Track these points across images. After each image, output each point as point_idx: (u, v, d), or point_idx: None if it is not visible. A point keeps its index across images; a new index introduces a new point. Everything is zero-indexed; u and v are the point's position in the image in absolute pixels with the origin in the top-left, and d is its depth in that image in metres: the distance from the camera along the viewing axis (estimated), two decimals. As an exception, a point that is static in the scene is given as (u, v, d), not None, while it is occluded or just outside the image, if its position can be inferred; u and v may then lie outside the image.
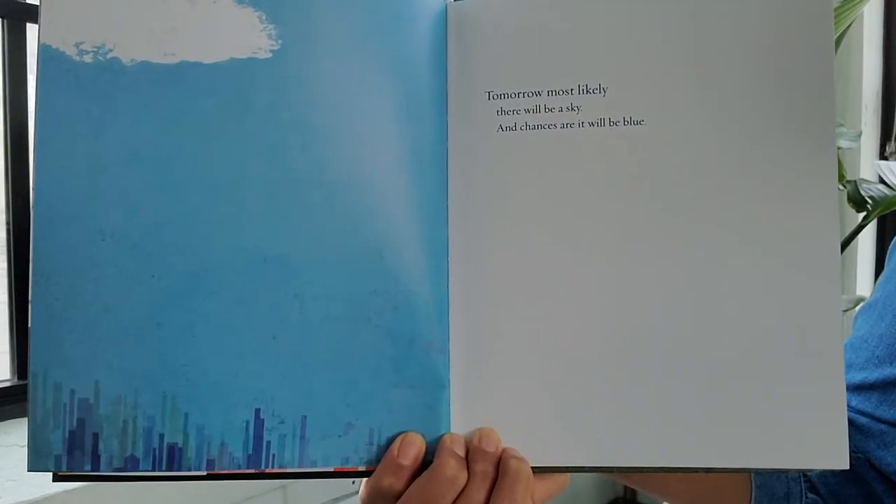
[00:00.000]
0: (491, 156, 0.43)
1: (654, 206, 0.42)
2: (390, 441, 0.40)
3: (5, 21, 1.23)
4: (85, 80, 0.36)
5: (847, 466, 0.40)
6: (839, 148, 1.50)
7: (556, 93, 0.42)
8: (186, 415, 0.37)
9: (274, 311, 0.38)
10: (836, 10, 1.32)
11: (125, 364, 0.36)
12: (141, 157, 0.36)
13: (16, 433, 1.19)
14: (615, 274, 0.42)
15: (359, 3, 0.41)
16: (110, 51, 0.36)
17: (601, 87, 0.42)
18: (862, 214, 1.61)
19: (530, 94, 0.43)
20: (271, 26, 0.38)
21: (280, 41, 0.39)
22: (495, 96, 0.43)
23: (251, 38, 0.38)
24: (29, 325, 0.36)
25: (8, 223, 1.26)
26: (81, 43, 0.36)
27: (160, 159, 0.37)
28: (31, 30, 1.27)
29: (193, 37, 0.37)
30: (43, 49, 0.35)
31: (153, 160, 0.37)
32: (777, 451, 0.40)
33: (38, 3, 1.06)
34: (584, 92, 0.42)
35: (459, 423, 0.42)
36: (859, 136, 1.70)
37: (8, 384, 1.24)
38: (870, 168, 1.97)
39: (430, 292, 0.42)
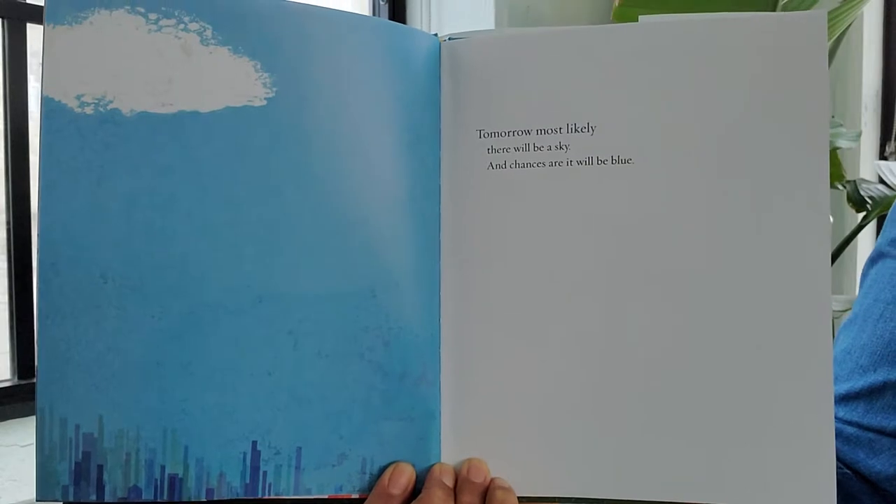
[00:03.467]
0: (482, 193, 0.43)
1: (643, 243, 0.42)
2: (382, 470, 0.42)
3: (5, 21, 1.23)
4: (86, 131, 0.37)
5: None
6: (839, 148, 1.51)
7: (545, 131, 0.43)
8: (186, 447, 0.38)
9: (269, 347, 0.40)
10: (836, 10, 1.32)
11: (127, 400, 0.38)
12: (140, 203, 0.38)
13: (16, 433, 1.20)
14: (603, 309, 0.43)
15: (353, 47, 0.41)
16: (110, 102, 0.37)
17: (589, 125, 0.43)
18: (862, 214, 1.62)
19: (520, 133, 0.43)
20: (266, 74, 0.39)
21: (275, 89, 0.39)
22: (486, 134, 0.43)
23: (246, 86, 0.39)
24: (36, 362, 0.37)
25: (8, 223, 1.26)
26: (82, 95, 0.37)
27: (159, 205, 0.38)
28: (31, 30, 1.27)
29: (190, 87, 0.38)
30: (46, 101, 0.36)
31: (152, 206, 0.38)
32: (764, 489, 0.41)
33: (37, 3, 1.06)
34: (573, 130, 0.43)
35: (450, 453, 0.43)
36: (859, 136, 1.70)
37: (8, 384, 1.25)
38: (870, 168, 1.97)
39: (422, 327, 0.43)
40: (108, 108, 0.37)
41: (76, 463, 0.37)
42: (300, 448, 0.40)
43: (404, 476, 0.41)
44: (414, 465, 0.42)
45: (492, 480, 0.42)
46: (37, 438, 0.37)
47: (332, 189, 0.41)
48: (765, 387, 0.41)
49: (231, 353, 0.39)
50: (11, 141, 1.25)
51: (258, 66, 0.39)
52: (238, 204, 0.39)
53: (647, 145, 0.42)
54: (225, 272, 0.39)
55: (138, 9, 0.38)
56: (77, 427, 0.37)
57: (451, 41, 0.44)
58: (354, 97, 0.41)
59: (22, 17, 1.25)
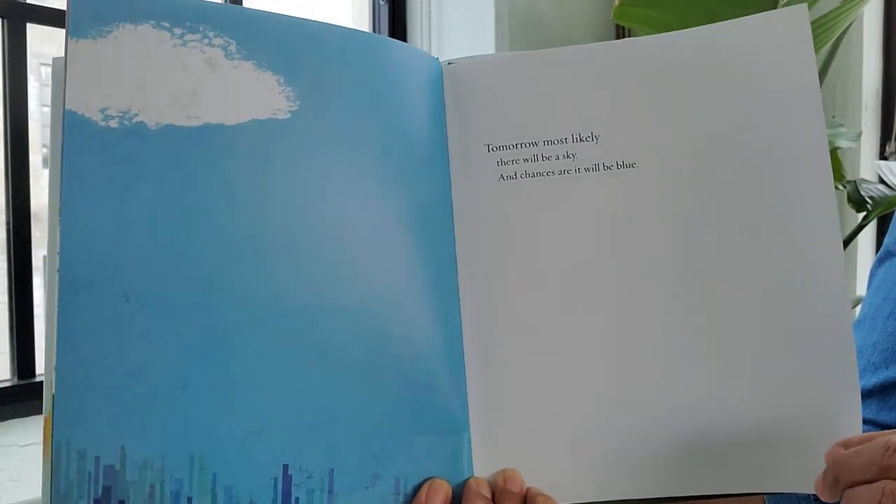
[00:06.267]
0: (494, 203, 0.45)
1: (655, 242, 0.44)
2: (416, 489, 0.40)
3: (5, 21, 1.23)
4: (110, 145, 0.36)
5: None
6: (839, 148, 1.51)
7: (552, 142, 0.45)
8: (214, 475, 0.36)
9: (296, 363, 0.38)
10: (836, 10, 1.33)
11: (152, 427, 0.36)
12: (164, 217, 0.37)
13: (16, 433, 1.19)
14: (620, 310, 0.44)
15: (365, 67, 0.42)
16: (135, 115, 0.37)
17: (593, 135, 0.45)
18: (862, 214, 1.62)
19: (528, 145, 0.45)
20: (289, 88, 0.40)
21: (298, 102, 0.40)
22: (494, 148, 0.45)
23: (270, 99, 0.39)
24: (53, 391, 0.35)
25: (8, 223, 1.26)
26: (107, 108, 0.36)
27: (183, 219, 0.37)
28: (31, 30, 1.26)
29: (215, 100, 0.38)
30: (68, 115, 0.36)
31: (176, 220, 0.37)
32: (791, 478, 0.42)
33: (37, 3, 1.05)
34: (578, 140, 0.45)
35: (481, 467, 0.43)
36: (859, 136, 1.70)
37: (8, 384, 1.24)
38: (870, 168, 1.97)
39: (445, 338, 0.43)
40: (133, 121, 0.36)
41: (95, 500, 0.35)
42: (332, 470, 0.38)
43: (441, 492, 0.40)
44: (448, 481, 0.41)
45: (529, 489, 0.42)
46: (52, 477, 0.35)
47: (352, 202, 0.41)
48: (788, 380, 0.42)
49: (258, 369, 0.37)
50: (11, 141, 1.24)
51: (281, 81, 0.39)
52: (262, 216, 0.38)
53: (649, 149, 0.44)
54: (249, 286, 0.38)
55: (163, 23, 0.37)
56: (97, 459, 0.35)
57: (450, 65, 0.46)
58: (370, 113, 0.42)
59: (22, 17, 1.25)
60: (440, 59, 0.46)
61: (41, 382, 1.35)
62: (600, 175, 0.44)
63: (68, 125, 0.35)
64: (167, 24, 0.37)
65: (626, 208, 0.44)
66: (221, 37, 0.38)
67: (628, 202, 0.44)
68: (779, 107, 0.43)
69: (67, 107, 0.35)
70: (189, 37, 0.38)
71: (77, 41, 0.36)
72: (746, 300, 0.42)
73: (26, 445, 1.18)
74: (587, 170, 0.44)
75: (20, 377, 1.24)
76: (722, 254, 0.43)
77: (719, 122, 0.43)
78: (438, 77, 0.45)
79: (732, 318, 0.42)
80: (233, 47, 0.39)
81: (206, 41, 0.38)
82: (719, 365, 0.42)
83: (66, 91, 0.35)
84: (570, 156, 0.44)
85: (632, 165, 0.44)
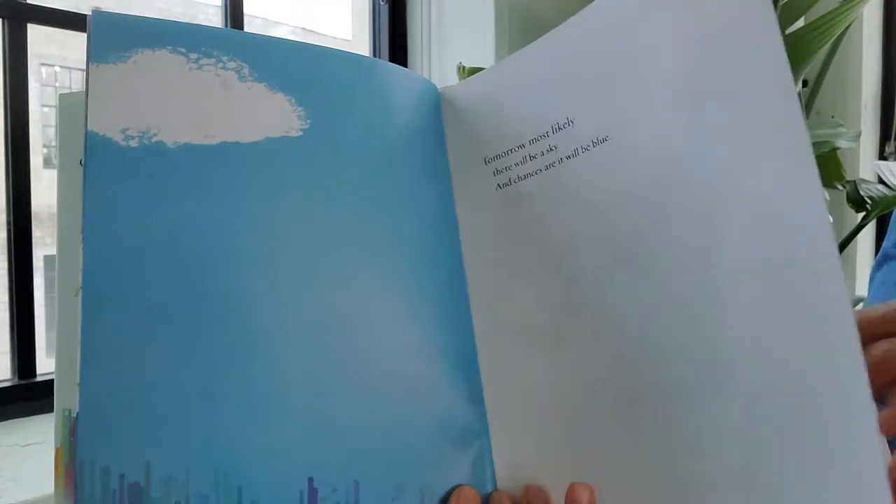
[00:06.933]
0: (494, 212, 0.46)
1: (645, 213, 0.41)
2: (441, 500, 0.41)
3: (5, 21, 1.24)
4: (131, 163, 0.37)
5: None
6: (839, 148, 1.51)
7: (536, 140, 0.46)
8: (240, 489, 0.36)
9: (319, 374, 0.39)
10: (835, 10, 1.33)
11: (176, 441, 0.36)
12: (185, 232, 0.37)
13: (16, 433, 1.19)
14: (624, 299, 0.42)
15: (371, 89, 0.44)
16: (155, 135, 0.38)
17: (568, 119, 0.45)
18: (861, 214, 1.62)
19: (517, 148, 0.46)
20: (300, 108, 0.41)
21: (309, 121, 0.41)
22: (491, 159, 0.47)
23: (283, 119, 0.41)
24: (77, 410, 0.35)
25: (8, 223, 1.26)
26: (127, 129, 0.37)
27: (203, 233, 0.38)
28: (32, 30, 1.26)
29: (231, 119, 0.39)
30: (90, 136, 0.37)
31: (197, 234, 0.38)
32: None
33: (38, 4, 1.05)
34: (557, 130, 0.45)
35: (503, 475, 0.43)
36: (859, 136, 1.70)
37: (8, 384, 1.24)
38: (869, 168, 1.98)
39: (460, 345, 0.44)
40: (153, 140, 0.38)
41: None
42: (357, 482, 0.38)
43: (469, 501, 0.41)
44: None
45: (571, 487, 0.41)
46: (76, 496, 0.34)
47: (365, 213, 0.42)
48: (787, 365, 0.38)
49: (281, 382, 0.38)
50: (11, 141, 1.25)
51: (293, 101, 0.41)
52: (280, 229, 0.39)
53: (616, 118, 0.43)
54: (270, 299, 0.38)
55: (180, 49, 0.39)
56: (122, 477, 0.35)
57: (444, 89, 0.49)
58: (377, 131, 0.44)
59: (22, 17, 1.25)
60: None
61: (41, 382, 1.35)
62: (580, 159, 0.44)
63: (90, 145, 0.36)
64: (183, 50, 0.39)
65: (610, 184, 0.43)
66: (235, 60, 0.40)
67: (610, 178, 0.43)
68: (735, 36, 0.39)
69: (89, 128, 0.36)
70: (204, 61, 0.39)
71: (98, 66, 0.37)
72: (741, 278, 0.38)
73: (26, 445, 1.18)
74: (568, 157, 0.44)
75: (20, 377, 1.24)
76: (709, 216, 0.39)
77: (677, 65, 0.41)
78: (436, 99, 0.48)
79: (732, 299, 0.38)
80: (245, 70, 0.40)
81: (220, 65, 0.40)
82: (723, 360, 0.39)
83: (87, 113, 0.36)
84: (553, 148, 0.45)
85: (605, 140, 0.43)
